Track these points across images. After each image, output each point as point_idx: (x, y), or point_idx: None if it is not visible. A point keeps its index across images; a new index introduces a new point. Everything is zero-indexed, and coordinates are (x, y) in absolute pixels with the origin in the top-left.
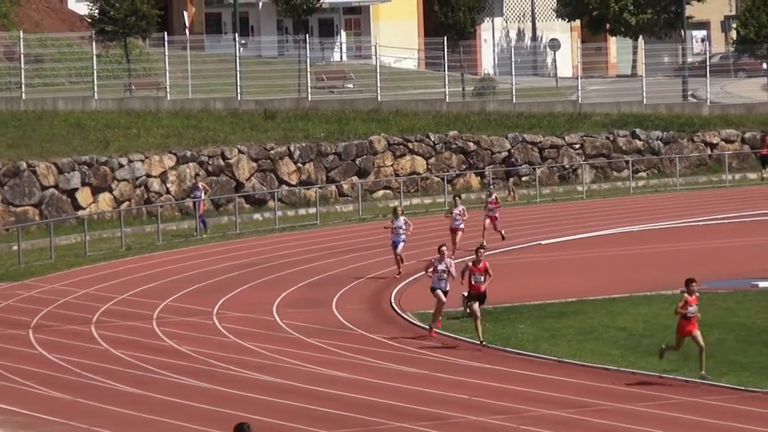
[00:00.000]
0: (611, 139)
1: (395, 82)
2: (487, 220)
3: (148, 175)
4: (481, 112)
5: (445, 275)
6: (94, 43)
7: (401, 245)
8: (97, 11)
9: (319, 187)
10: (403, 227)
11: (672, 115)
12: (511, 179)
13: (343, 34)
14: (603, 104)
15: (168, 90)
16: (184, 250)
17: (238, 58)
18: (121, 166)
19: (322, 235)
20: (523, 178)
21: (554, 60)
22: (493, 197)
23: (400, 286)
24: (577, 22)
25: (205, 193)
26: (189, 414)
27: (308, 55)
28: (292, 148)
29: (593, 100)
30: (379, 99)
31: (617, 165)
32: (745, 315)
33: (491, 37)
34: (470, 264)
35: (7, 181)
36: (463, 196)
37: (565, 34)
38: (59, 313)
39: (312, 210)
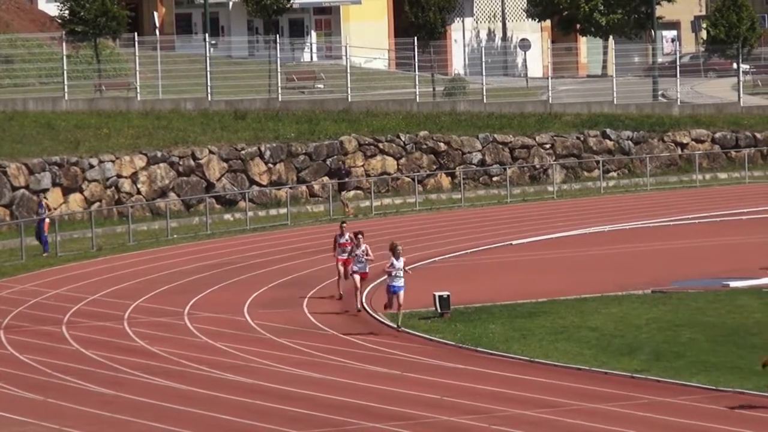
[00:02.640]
0: (582, 139)
1: (366, 82)
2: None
3: (119, 176)
4: (452, 112)
5: None
6: (64, 44)
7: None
8: (67, 12)
9: (290, 188)
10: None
11: (642, 115)
12: (344, 192)
13: (314, 34)
14: (573, 104)
15: (138, 90)
16: (155, 251)
17: (208, 59)
18: (91, 166)
19: (293, 235)
20: (494, 178)
21: (525, 60)
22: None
23: (371, 287)
24: (548, 23)
25: (48, 211)
26: (160, 414)
27: (278, 55)
28: (262, 149)
29: (564, 101)
30: (349, 99)
31: (588, 165)
32: (715, 315)
33: (462, 37)
34: None
35: None
36: (433, 196)
37: (535, 34)
38: (30, 313)
39: (283, 210)
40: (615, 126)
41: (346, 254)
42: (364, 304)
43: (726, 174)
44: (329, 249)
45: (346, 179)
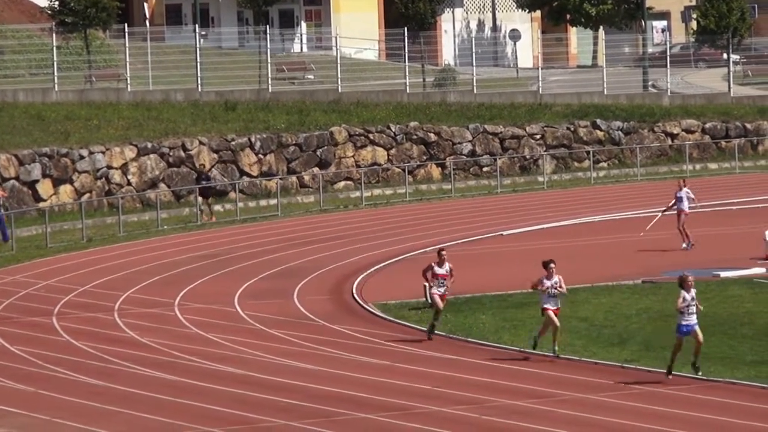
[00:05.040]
0: (572, 129)
1: (356, 73)
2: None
3: (109, 167)
4: (442, 102)
5: None
6: (54, 35)
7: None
8: (57, 3)
9: (280, 178)
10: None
11: (632, 106)
12: (208, 199)
13: (304, 25)
14: (564, 95)
15: (128, 81)
16: (145, 242)
17: (198, 50)
18: (81, 157)
19: (283, 226)
20: (484, 169)
21: (515, 51)
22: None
23: (361, 277)
24: (538, 13)
25: (3, 200)
26: (151, 405)
27: (269, 46)
28: (252, 139)
29: (554, 91)
30: (339, 90)
31: (578, 155)
32: (706, 305)
33: (452, 27)
34: None
35: None
36: (424, 187)
37: (525, 24)
38: (20, 304)
39: (273, 201)
40: (605, 116)
41: (444, 288)
42: (354, 294)
43: (716, 164)
44: (318, 240)
45: (209, 184)
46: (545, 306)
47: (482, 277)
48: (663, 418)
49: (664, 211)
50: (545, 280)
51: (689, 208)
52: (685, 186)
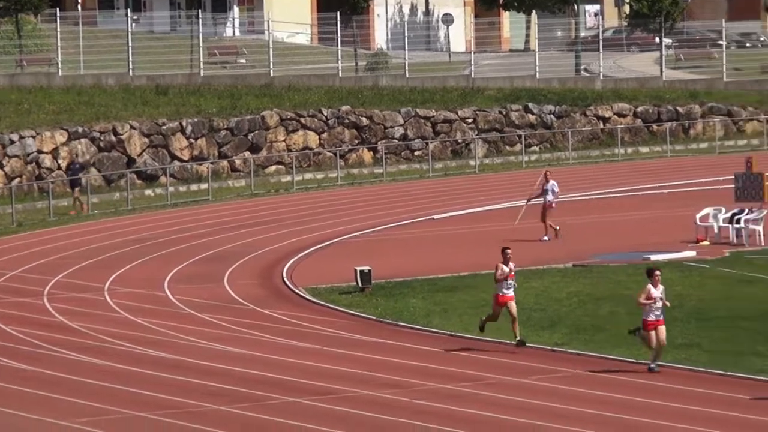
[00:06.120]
0: (504, 113)
1: (288, 57)
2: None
3: (40, 152)
4: (374, 87)
5: None
6: None
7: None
8: None
9: (211, 163)
10: None
11: (565, 90)
12: (77, 188)
13: (236, 9)
14: (496, 79)
15: (60, 66)
16: (75, 226)
17: (130, 34)
18: (12, 142)
19: (214, 210)
20: (416, 153)
21: (447, 35)
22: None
23: (291, 261)
24: None
25: None
26: (81, 390)
27: (200, 30)
28: (184, 124)
29: (486, 75)
30: (271, 74)
31: (510, 139)
32: (636, 288)
33: (384, 12)
34: None
35: None
36: (355, 171)
37: (458, 9)
38: None
39: (204, 185)
40: (537, 100)
41: (511, 290)
42: (284, 278)
43: (648, 148)
44: (248, 225)
45: (79, 175)
46: (648, 319)
47: (413, 261)
48: (592, 400)
49: (529, 200)
50: (652, 289)
51: (550, 200)
52: (551, 179)
